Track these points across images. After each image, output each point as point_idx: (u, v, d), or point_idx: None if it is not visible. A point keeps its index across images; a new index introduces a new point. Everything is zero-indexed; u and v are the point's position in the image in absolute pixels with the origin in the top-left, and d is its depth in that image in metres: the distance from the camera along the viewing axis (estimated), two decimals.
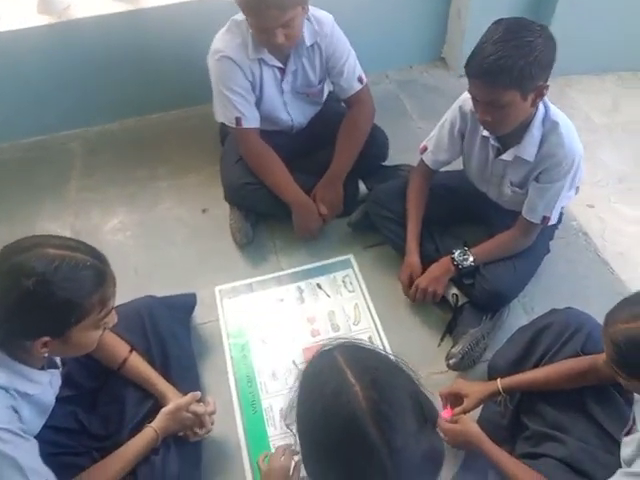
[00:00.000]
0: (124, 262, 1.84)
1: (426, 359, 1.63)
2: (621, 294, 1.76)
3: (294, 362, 1.65)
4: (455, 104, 1.65)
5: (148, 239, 1.99)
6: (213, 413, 1.40)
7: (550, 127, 1.47)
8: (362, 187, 2.00)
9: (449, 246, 1.72)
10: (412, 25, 2.47)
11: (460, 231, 1.85)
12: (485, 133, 1.56)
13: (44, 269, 0.96)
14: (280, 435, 1.50)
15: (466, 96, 1.60)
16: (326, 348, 0.82)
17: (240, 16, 1.70)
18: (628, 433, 1.17)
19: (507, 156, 1.54)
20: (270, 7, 1.51)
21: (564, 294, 1.75)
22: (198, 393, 1.38)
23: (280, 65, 1.78)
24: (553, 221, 1.59)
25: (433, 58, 2.65)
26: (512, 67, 1.30)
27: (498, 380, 1.38)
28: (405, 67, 2.61)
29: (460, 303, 1.69)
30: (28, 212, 2.07)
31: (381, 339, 1.70)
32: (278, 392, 1.59)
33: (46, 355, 1.05)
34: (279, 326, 1.74)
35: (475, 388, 1.41)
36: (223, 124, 1.91)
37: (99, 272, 1.04)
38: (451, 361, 1.58)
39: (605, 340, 1.02)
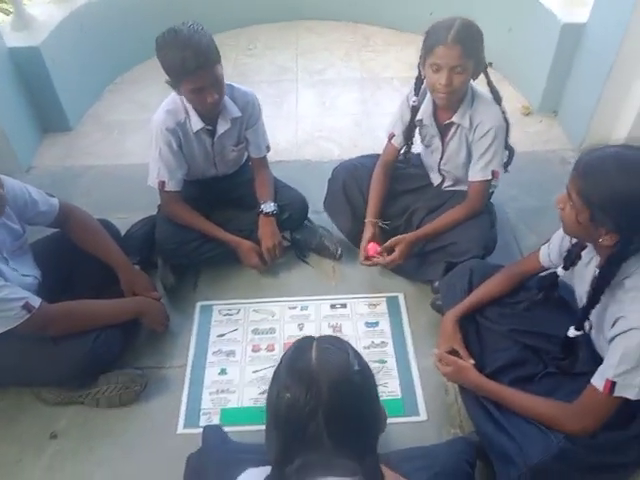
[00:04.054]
0: None
1: (321, 284, 2.02)
2: None
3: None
4: (158, 131, 1.84)
5: None
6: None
7: (229, 87, 1.89)
8: None
9: (243, 221, 2.06)
10: None
11: (225, 214, 2.13)
12: (197, 127, 1.85)
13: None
14: None
15: (160, 119, 1.83)
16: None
17: None
18: None
19: (223, 125, 1.89)
20: None
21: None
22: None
23: None
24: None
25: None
26: (210, 46, 1.66)
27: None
28: None
29: (290, 236, 2.10)
30: None
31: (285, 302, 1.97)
32: None
33: None
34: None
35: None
36: None
37: None
38: (338, 254, 2.05)
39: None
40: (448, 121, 1.79)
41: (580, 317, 1.36)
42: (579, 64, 2.54)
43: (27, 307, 1.46)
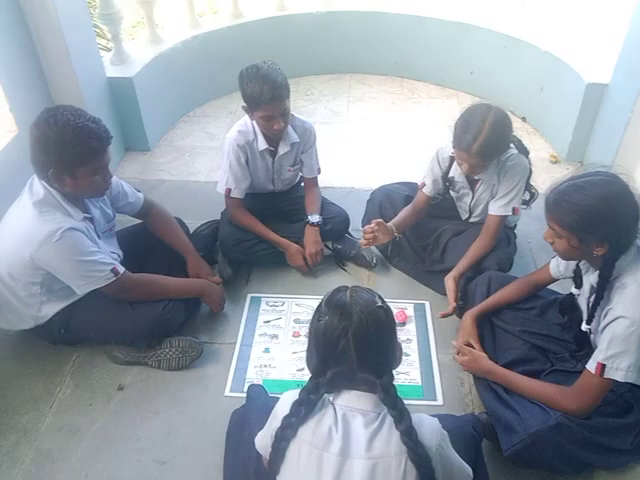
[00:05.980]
0: None
1: None
2: None
3: None
4: (230, 146, 2.19)
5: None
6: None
7: (291, 117, 2.25)
8: None
9: (291, 230, 2.36)
10: None
11: (276, 224, 2.43)
12: (262, 147, 2.21)
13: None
14: None
15: (233, 136, 2.19)
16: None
17: (40, 194, 1.70)
18: None
19: (284, 148, 2.25)
20: None
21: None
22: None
23: (89, 215, 1.86)
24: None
25: None
26: (283, 83, 2.05)
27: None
28: None
29: (332, 246, 2.39)
30: None
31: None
32: None
33: None
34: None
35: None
36: None
37: None
38: (373, 263, 2.32)
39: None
40: (477, 177, 2.05)
41: (589, 313, 1.58)
42: (602, 119, 2.82)
43: (114, 271, 1.78)
